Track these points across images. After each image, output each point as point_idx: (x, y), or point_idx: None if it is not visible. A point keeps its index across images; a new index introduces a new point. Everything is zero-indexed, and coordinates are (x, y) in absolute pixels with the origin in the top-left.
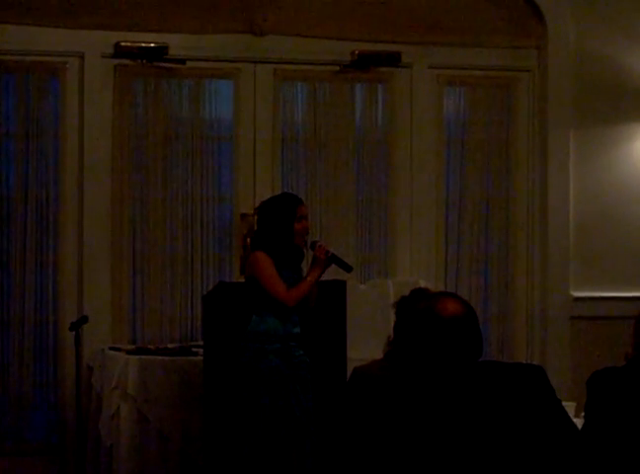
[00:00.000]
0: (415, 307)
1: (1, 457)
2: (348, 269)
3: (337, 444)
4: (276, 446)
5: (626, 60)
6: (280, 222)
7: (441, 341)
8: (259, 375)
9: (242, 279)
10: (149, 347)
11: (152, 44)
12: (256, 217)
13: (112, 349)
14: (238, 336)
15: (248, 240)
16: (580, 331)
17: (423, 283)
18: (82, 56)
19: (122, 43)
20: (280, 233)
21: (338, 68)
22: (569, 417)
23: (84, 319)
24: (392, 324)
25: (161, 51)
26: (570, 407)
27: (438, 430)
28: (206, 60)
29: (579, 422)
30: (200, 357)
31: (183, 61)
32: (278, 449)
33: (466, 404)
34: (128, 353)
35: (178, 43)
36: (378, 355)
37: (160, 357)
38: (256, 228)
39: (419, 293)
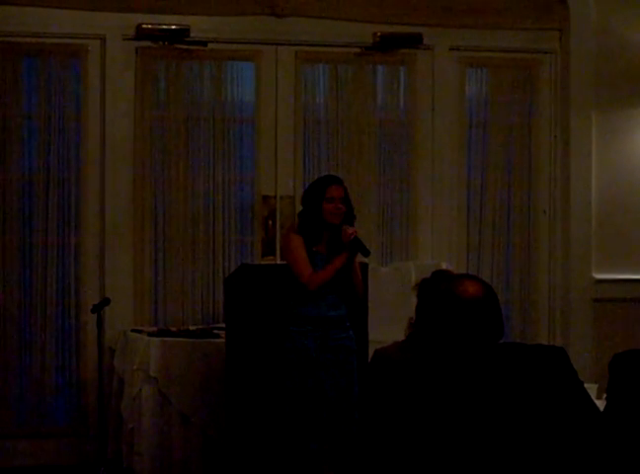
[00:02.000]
0: (436, 289)
1: (23, 439)
2: (366, 253)
3: (360, 426)
4: (305, 428)
5: None
6: (309, 202)
7: (462, 322)
8: (286, 357)
9: (264, 262)
10: (171, 329)
11: (174, 26)
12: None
13: (133, 331)
14: (260, 318)
15: (270, 222)
16: (602, 313)
17: (444, 266)
18: (103, 39)
19: (144, 26)
20: (309, 212)
21: (359, 50)
22: (591, 399)
23: (106, 301)
24: (413, 306)
25: (182, 33)
26: (592, 389)
27: (459, 411)
28: (228, 42)
29: (600, 404)
30: (222, 340)
31: (204, 43)
32: (307, 431)
33: (487, 385)
34: (150, 335)
35: (199, 25)
36: (400, 337)
37: (182, 340)
38: None
39: (440, 275)
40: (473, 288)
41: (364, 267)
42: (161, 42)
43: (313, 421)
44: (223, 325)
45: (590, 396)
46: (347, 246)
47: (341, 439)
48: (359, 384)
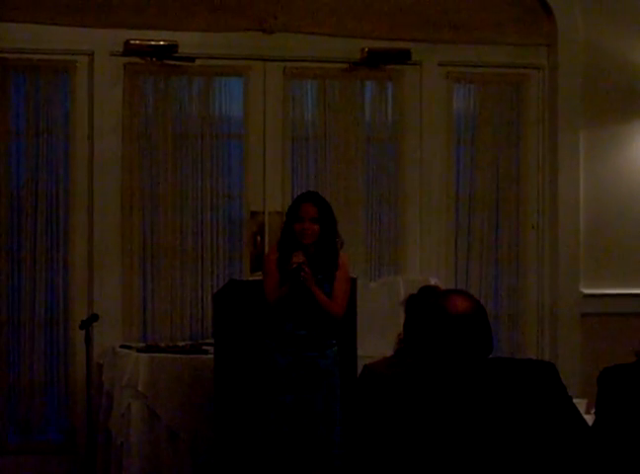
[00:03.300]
0: (424, 305)
1: (12, 455)
2: (300, 287)
3: (348, 442)
4: (279, 443)
5: (637, 57)
6: (285, 221)
7: (451, 338)
8: (258, 371)
9: (252, 277)
10: (160, 345)
11: (162, 42)
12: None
13: (122, 347)
14: (249, 334)
15: (258, 238)
16: (590, 328)
17: (433, 281)
18: (91, 55)
19: (132, 42)
20: (284, 231)
21: (347, 66)
22: (580, 413)
23: (94, 317)
24: (402, 322)
25: (171, 49)
26: (581, 404)
27: (448, 426)
28: (216, 58)
29: (589, 419)
30: (211, 355)
31: (192, 59)
32: (282, 446)
33: (477, 401)
34: (139, 351)
35: (187, 41)
36: (388, 352)
37: (171, 355)
38: None
39: (427, 291)
40: (462, 304)
41: (352, 282)
42: (149, 58)
43: (276, 434)
44: (212, 341)
45: (579, 411)
46: (290, 274)
47: (319, 462)
48: (346, 401)
